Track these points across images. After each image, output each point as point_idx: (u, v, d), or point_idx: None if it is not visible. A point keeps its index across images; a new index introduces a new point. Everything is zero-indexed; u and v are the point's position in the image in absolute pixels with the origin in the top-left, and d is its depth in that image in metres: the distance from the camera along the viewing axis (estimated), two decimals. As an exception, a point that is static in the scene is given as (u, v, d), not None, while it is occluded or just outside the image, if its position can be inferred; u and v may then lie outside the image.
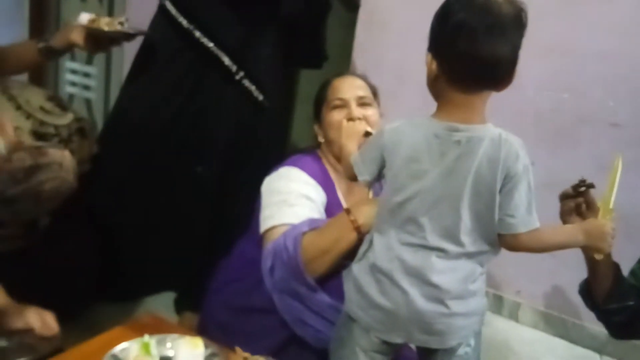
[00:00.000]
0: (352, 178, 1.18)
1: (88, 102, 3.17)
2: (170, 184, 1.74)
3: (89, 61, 3.12)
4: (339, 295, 1.23)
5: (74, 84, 3.22)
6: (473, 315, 1.07)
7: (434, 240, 1.02)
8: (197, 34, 1.66)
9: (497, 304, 2.09)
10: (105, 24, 1.57)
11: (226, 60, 1.68)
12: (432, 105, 1.08)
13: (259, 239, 1.37)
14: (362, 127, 1.36)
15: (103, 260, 1.67)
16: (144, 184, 1.73)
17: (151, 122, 1.70)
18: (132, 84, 1.81)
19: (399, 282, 1.04)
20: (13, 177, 1.27)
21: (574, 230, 1.07)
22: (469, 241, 1.02)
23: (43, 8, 3.20)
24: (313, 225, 1.29)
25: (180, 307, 1.85)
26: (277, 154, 1.82)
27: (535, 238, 1.01)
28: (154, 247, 1.78)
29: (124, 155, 1.74)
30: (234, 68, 1.69)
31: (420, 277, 1.03)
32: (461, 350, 1.07)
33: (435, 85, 1.04)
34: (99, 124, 2.83)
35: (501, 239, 1.02)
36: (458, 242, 1.02)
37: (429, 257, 1.03)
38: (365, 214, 1.25)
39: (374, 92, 1.51)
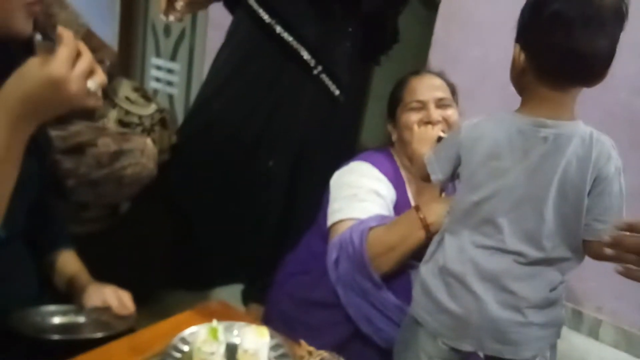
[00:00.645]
0: (425, 178, 1.14)
1: (170, 98, 3.31)
2: (243, 176, 1.77)
3: (173, 57, 3.26)
4: (405, 296, 1.21)
5: (158, 79, 3.37)
6: (551, 327, 1.01)
7: (512, 243, 0.96)
8: (278, 28, 1.68)
9: (576, 319, 1.96)
10: None
11: (305, 55, 1.69)
12: (514, 104, 1.02)
13: (325, 233, 1.36)
14: (435, 132, 1.32)
15: (176, 248, 1.72)
16: (218, 176, 1.78)
17: (229, 115, 1.74)
18: (213, 77, 1.86)
19: (472, 287, 0.99)
20: (98, 161, 1.34)
21: None
22: (550, 246, 0.95)
23: (133, 8, 3.38)
24: (381, 222, 1.26)
25: (246, 298, 1.88)
26: (348, 150, 1.80)
27: None
28: (225, 237, 1.81)
29: (201, 146, 1.79)
30: (312, 62, 1.70)
31: (496, 283, 0.98)
32: (536, 363, 1.01)
33: (521, 78, 0.98)
34: (180, 118, 2.94)
35: (587, 246, 0.95)
36: (539, 246, 0.95)
37: (506, 261, 0.97)
38: (435, 212, 1.21)
39: (453, 91, 1.46)
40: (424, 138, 1.30)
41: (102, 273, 1.06)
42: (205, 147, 1.78)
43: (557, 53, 0.91)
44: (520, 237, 0.96)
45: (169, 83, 3.31)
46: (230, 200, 1.80)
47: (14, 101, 0.74)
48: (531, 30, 0.95)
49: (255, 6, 1.71)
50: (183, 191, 1.79)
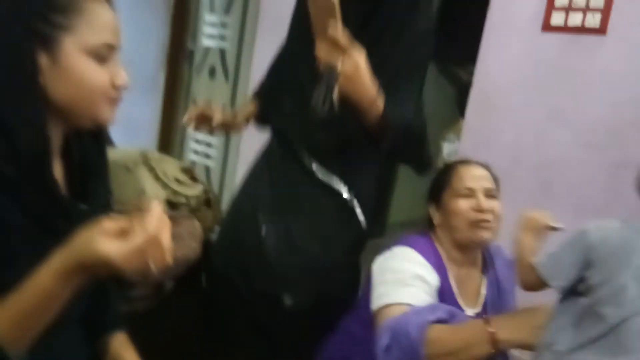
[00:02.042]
0: (532, 285, 1.08)
1: (207, 170, 3.42)
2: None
3: (211, 132, 3.38)
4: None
5: (196, 152, 3.50)
6: None
7: None
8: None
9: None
10: None
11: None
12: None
13: (366, 318, 1.34)
14: (544, 220, 1.25)
15: (207, 338, 1.68)
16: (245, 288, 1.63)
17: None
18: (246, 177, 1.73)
19: None
20: (150, 244, 1.37)
21: None
22: None
23: (176, 83, 3.57)
24: (437, 314, 1.22)
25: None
26: None
27: None
28: (260, 321, 1.76)
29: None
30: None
31: None
32: None
33: None
34: (216, 190, 3.00)
35: None
36: None
37: None
38: (509, 330, 1.14)
39: (497, 184, 1.48)
40: (532, 227, 1.22)
41: (142, 352, 1.08)
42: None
43: None
44: None
45: (207, 156, 3.44)
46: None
47: (67, 263, 0.75)
48: None
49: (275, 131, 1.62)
50: (214, 285, 1.70)
